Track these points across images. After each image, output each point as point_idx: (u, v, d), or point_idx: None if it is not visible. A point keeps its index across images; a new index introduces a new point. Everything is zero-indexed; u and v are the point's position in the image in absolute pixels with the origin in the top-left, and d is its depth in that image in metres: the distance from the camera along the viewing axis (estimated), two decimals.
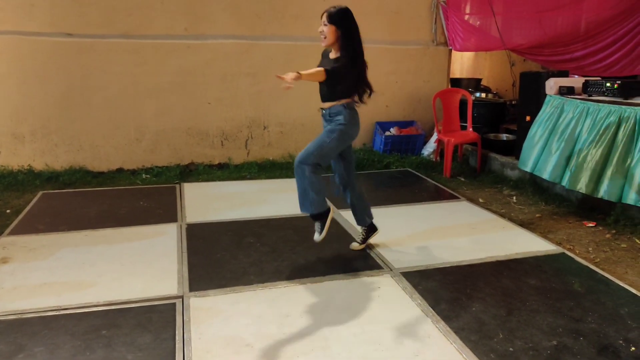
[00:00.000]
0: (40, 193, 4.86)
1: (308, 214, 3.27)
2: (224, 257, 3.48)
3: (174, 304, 2.85)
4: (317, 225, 3.31)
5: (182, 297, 2.93)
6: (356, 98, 3.25)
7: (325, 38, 3.08)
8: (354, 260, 3.48)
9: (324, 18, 3.06)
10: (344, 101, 3.18)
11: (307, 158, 3.11)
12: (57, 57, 5.30)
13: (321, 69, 3.02)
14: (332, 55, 3.18)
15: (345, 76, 3.10)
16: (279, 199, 4.76)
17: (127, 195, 4.86)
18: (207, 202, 4.68)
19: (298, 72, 2.86)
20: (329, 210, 3.32)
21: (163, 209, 4.46)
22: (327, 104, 3.21)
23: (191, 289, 3.03)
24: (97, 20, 5.35)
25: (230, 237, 3.84)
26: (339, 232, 3.92)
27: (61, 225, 4.04)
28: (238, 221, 4.20)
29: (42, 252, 3.52)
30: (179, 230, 3.98)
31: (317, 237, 3.31)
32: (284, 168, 5.89)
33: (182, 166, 5.80)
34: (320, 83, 3.17)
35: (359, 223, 3.66)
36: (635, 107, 4.05)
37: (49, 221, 4.13)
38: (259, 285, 3.08)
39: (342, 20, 3.06)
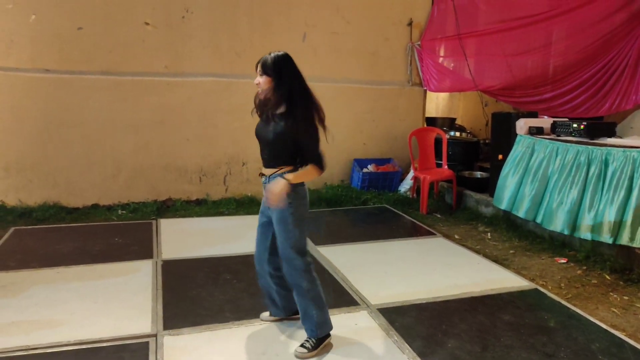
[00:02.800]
0: (12, 229, 4.76)
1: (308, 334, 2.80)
2: (199, 294, 3.44)
3: (147, 343, 2.79)
4: (308, 341, 2.74)
5: (155, 335, 2.88)
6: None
7: (259, 88, 2.62)
8: (330, 296, 3.47)
9: (258, 68, 2.60)
10: (286, 169, 2.64)
11: (292, 265, 2.68)
12: (35, 93, 5.30)
13: (311, 167, 2.58)
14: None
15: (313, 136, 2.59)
16: (256, 235, 4.74)
17: (102, 232, 4.79)
18: (184, 238, 4.64)
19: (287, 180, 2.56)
20: (329, 334, 2.82)
21: (139, 245, 4.41)
22: (269, 171, 2.69)
23: (165, 327, 2.98)
24: (77, 57, 5.39)
25: (207, 274, 3.80)
26: (316, 269, 3.91)
27: (33, 262, 3.95)
28: (215, 257, 4.17)
29: (12, 290, 3.43)
30: (155, 266, 3.93)
31: (301, 353, 2.69)
32: None
33: (160, 202, 5.77)
34: (263, 142, 2.69)
35: (279, 313, 3.06)
36: (602, 148, 4.23)
37: (20, 258, 4.04)
38: (235, 323, 3.04)
39: (275, 65, 2.56)
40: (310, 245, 4.47)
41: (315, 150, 2.59)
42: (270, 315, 3.10)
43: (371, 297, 3.43)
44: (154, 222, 5.14)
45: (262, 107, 2.69)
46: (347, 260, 4.14)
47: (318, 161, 2.59)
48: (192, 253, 4.24)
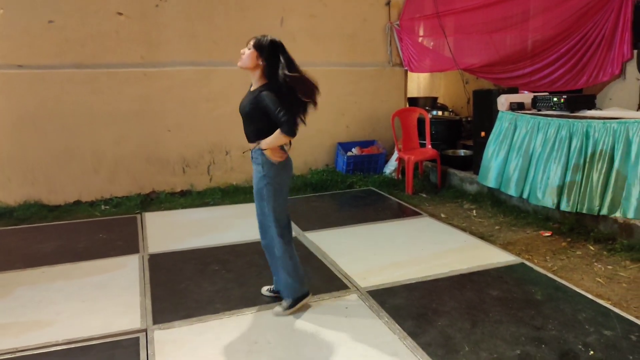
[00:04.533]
0: None
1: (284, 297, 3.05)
2: (188, 287, 3.42)
3: (137, 338, 2.77)
4: (285, 302, 3.02)
5: (145, 330, 2.86)
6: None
7: (240, 60, 2.78)
8: (320, 281, 3.48)
9: (249, 42, 2.78)
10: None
11: (265, 230, 2.94)
12: (8, 90, 5.17)
13: (278, 132, 2.72)
14: (253, 86, 2.84)
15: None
16: (243, 224, 4.73)
17: (86, 228, 4.72)
18: (170, 231, 4.60)
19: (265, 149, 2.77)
20: (306, 294, 3.08)
21: (124, 241, 4.36)
22: (252, 145, 2.89)
23: (155, 321, 2.96)
24: (49, 51, 5.25)
25: (195, 266, 3.78)
26: (304, 254, 3.92)
27: (17, 263, 3.88)
28: (202, 249, 4.14)
29: None
30: (141, 261, 3.89)
31: (278, 311, 3.01)
32: (248, 192, 5.86)
33: (143, 195, 5.70)
34: (244, 118, 2.89)
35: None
36: (583, 121, 4.27)
37: (3, 259, 3.97)
38: (226, 313, 3.04)
39: (269, 49, 2.74)
40: (298, 231, 4.47)
41: (281, 115, 2.68)
42: (270, 290, 3.26)
43: (360, 280, 3.45)
44: (138, 216, 5.08)
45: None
46: (335, 244, 4.14)
47: (283, 125, 2.69)
48: (178, 245, 4.21)
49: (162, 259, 3.95)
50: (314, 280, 3.49)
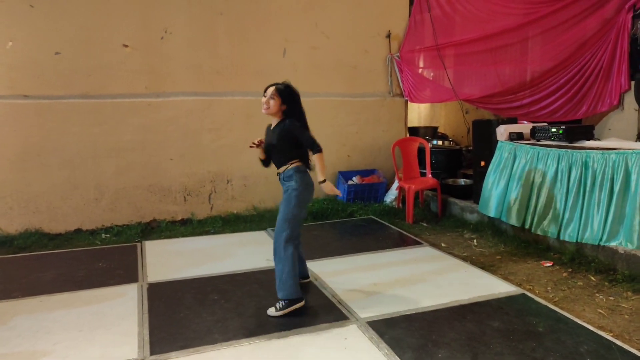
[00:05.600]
0: None
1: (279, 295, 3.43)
2: (187, 317, 3.40)
3: None
4: (280, 303, 3.40)
5: None
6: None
7: (268, 108, 3.35)
8: (319, 311, 3.45)
9: (270, 91, 3.35)
10: (295, 165, 3.40)
11: (280, 237, 3.36)
12: (13, 119, 5.25)
13: (318, 154, 3.33)
14: (273, 123, 3.45)
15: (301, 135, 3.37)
16: (243, 253, 4.72)
17: (86, 257, 4.72)
18: (170, 260, 4.59)
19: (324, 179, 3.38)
20: (300, 299, 3.44)
21: (123, 269, 4.35)
22: (282, 168, 3.44)
23: (152, 352, 2.93)
24: (56, 82, 5.36)
25: (194, 295, 3.76)
26: (303, 284, 3.89)
27: (14, 292, 3.87)
28: (202, 278, 4.12)
29: None
30: (140, 290, 3.87)
31: (272, 311, 3.39)
32: (248, 221, 5.88)
33: (144, 224, 5.71)
34: (273, 150, 3.44)
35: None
36: (582, 152, 4.30)
37: (2, 288, 3.95)
38: (224, 344, 3.00)
39: (289, 96, 3.37)
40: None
41: (309, 138, 3.34)
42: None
43: (360, 310, 3.42)
44: (138, 244, 5.08)
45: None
46: (335, 274, 4.12)
47: (314, 146, 3.33)
48: (178, 274, 4.20)
49: (162, 288, 3.93)
50: (313, 310, 3.47)
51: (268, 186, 6.25)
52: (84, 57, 5.43)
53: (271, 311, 3.39)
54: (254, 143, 3.47)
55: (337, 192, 3.44)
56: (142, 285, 3.97)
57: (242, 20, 6.05)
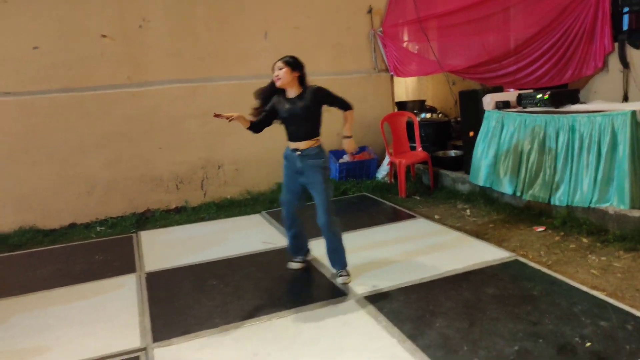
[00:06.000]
0: None
1: (339, 269, 3.60)
2: (186, 303, 3.42)
3: (138, 358, 2.78)
4: (344, 271, 3.57)
5: (145, 349, 2.86)
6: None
7: (279, 79, 3.39)
8: (317, 289, 3.50)
9: (278, 64, 3.41)
10: (320, 141, 3.51)
11: (329, 214, 3.47)
12: None
13: (347, 112, 3.58)
14: (291, 94, 3.45)
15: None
16: (239, 237, 4.74)
17: (82, 251, 4.72)
18: (166, 249, 4.60)
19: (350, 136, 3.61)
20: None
21: (120, 261, 4.36)
22: (305, 144, 3.45)
23: (154, 339, 2.96)
24: (36, 77, 5.28)
25: (192, 282, 3.78)
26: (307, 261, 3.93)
27: (13, 290, 3.87)
28: (199, 264, 4.14)
29: None
30: (139, 280, 3.89)
31: (345, 279, 3.53)
32: (243, 205, 5.89)
33: (138, 214, 5.70)
34: (296, 121, 3.43)
35: (302, 253, 3.94)
36: (568, 116, 4.33)
37: (0, 287, 3.95)
38: (224, 328, 3.04)
39: (298, 63, 3.45)
40: None
41: (340, 97, 3.52)
42: (297, 260, 3.88)
43: (357, 286, 3.46)
44: (134, 235, 5.09)
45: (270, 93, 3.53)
46: None
47: (347, 103, 3.54)
48: (175, 262, 4.21)
49: (160, 276, 3.95)
50: (311, 289, 3.51)
51: (260, 169, 6.25)
52: (63, 50, 5.34)
53: (345, 279, 3.51)
54: (218, 114, 3.42)
55: (356, 148, 3.69)
56: (140, 275, 3.99)
57: (221, 5, 5.96)
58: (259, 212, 5.59)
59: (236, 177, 6.21)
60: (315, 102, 3.42)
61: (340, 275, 3.54)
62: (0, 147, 5.22)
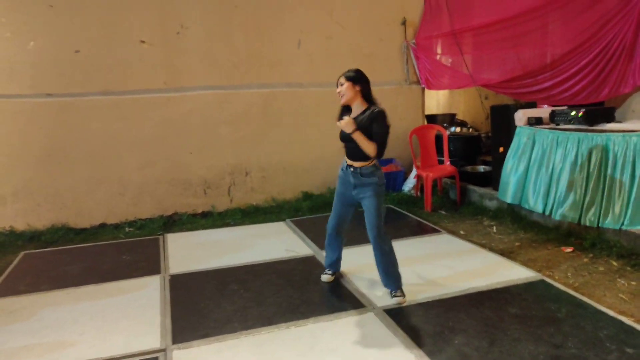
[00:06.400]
0: (21, 254, 4.83)
1: (390, 290, 3.49)
2: (207, 307, 3.47)
3: (157, 358, 2.83)
4: (399, 292, 3.44)
5: (165, 350, 2.92)
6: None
7: (342, 95, 3.35)
8: (337, 300, 3.50)
9: (340, 79, 3.36)
10: (375, 161, 3.40)
11: (379, 231, 3.37)
12: (38, 118, 5.40)
13: (372, 144, 3.24)
14: (356, 112, 3.35)
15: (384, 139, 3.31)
16: (262, 244, 4.79)
17: (110, 250, 4.85)
18: (191, 252, 4.68)
19: (355, 127, 3.24)
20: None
21: (146, 262, 4.46)
22: (359, 163, 3.38)
23: (174, 341, 3.01)
24: (77, 79, 5.48)
25: (214, 286, 3.84)
26: (321, 273, 3.94)
27: (43, 285, 4.01)
28: (222, 269, 4.20)
29: (23, 314, 3.49)
30: (162, 281, 3.97)
31: (399, 300, 3.39)
32: (268, 212, 5.95)
33: (166, 217, 5.83)
34: (353, 141, 3.29)
35: (334, 268, 3.87)
36: (602, 135, 4.21)
37: (31, 282, 4.10)
38: (243, 333, 3.07)
39: (359, 77, 3.34)
40: (316, 250, 4.50)
41: (383, 138, 3.27)
42: (331, 274, 3.82)
43: (377, 299, 3.45)
44: (160, 237, 5.19)
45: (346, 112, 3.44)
46: (353, 263, 4.15)
47: (380, 145, 3.26)
48: (199, 266, 4.28)
49: (183, 279, 4.02)
50: (331, 299, 3.51)
51: (286, 177, 6.30)
52: (102, 54, 5.53)
53: (400, 300, 3.38)
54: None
55: (351, 125, 3.22)
56: (164, 277, 4.07)
57: (257, 12, 6.07)
58: (283, 219, 5.63)
59: (263, 184, 6.28)
60: (371, 124, 3.26)
61: (394, 296, 3.42)
62: (39, 146, 5.42)
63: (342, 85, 3.34)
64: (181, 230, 5.46)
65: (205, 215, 5.97)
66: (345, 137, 3.34)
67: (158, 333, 3.12)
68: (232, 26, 5.99)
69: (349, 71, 3.38)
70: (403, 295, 3.41)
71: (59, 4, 5.34)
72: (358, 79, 3.32)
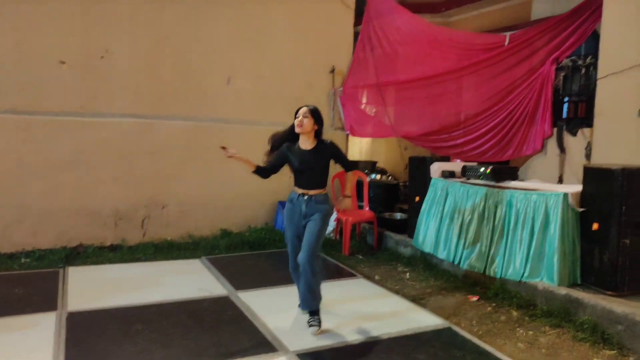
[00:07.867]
0: None
1: (309, 310, 3.62)
2: (107, 348, 3.23)
3: None
4: (315, 319, 3.56)
5: None
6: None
7: (301, 126, 3.54)
8: (248, 343, 3.39)
9: (304, 110, 3.58)
10: (326, 189, 3.67)
11: (313, 254, 3.50)
12: None
13: (351, 173, 3.85)
14: (306, 145, 3.61)
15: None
16: (174, 282, 4.58)
17: (1, 283, 4.40)
18: (94, 288, 4.37)
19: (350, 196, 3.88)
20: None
21: (41, 297, 4.09)
22: (314, 191, 3.61)
23: None
24: None
25: (117, 325, 3.58)
26: (235, 314, 3.83)
27: None
28: (127, 307, 3.94)
29: None
30: (58, 319, 3.65)
31: (316, 330, 3.51)
32: (183, 248, 5.73)
33: (69, 248, 5.42)
34: (309, 172, 3.60)
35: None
36: (507, 191, 4.54)
37: None
38: None
39: (320, 118, 3.64)
40: (230, 290, 4.37)
41: (347, 158, 3.83)
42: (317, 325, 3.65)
43: (290, 342, 3.38)
44: (61, 270, 4.81)
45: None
46: (267, 304, 4.07)
47: (352, 165, 3.85)
48: (102, 303, 3.99)
49: (82, 317, 3.72)
50: (242, 341, 3.39)
51: (206, 213, 6.14)
52: (16, 70, 5.19)
53: (313, 330, 3.50)
54: (224, 147, 3.53)
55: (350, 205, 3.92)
56: (60, 314, 3.75)
57: (189, 45, 6.02)
58: (199, 257, 5.44)
59: (180, 219, 6.06)
60: (329, 156, 3.63)
61: (311, 325, 3.52)
62: None
63: (305, 117, 3.54)
64: (85, 263, 5.10)
65: (114, 248, 5.63)
66: (304, 169, 3.59)
67: None
68: (162, 56, 5.89)
69: (313, 107, 3.62)
70: (319, 325, 3.53)
71: None
72: (319, 119, 3.61)
